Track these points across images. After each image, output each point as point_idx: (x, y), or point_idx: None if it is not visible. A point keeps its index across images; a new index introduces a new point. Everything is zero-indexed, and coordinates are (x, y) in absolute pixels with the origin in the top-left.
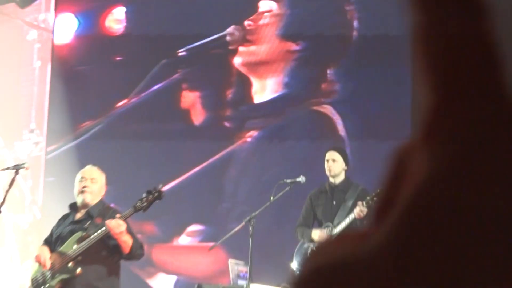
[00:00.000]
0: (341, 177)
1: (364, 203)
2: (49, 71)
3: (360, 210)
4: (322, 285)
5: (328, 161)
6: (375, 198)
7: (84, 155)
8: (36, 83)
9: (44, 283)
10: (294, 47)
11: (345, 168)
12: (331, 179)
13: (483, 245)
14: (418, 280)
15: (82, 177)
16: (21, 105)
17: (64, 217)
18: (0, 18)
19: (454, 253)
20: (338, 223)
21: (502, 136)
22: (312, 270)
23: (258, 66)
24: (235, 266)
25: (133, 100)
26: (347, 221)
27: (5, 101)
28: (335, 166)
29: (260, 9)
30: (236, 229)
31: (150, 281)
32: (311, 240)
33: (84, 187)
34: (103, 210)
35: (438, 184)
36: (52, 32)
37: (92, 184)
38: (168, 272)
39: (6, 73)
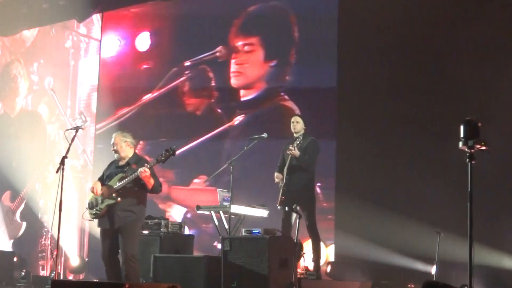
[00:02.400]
0: (301, 132)
1: (295, 146)
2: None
3: (293, 148)
4: None
5: (293, 122)
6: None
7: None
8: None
9: (96, 205)
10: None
11: (304, 127)
12: (295, 135)
13: None
14: None
15: (111, 143)
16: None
17: (112, 163)
18: (62, 30)
19: None
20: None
21: None
22: None
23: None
24: (221, 193)
25: (154, 94)
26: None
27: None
28: (297, 126)
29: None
30: (221, 168)
31: (169, 210)
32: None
33: (112, 149)
34: (137, 159)
35: None
36: (99, 49)
37: (114, 147)
38: (181, 204)
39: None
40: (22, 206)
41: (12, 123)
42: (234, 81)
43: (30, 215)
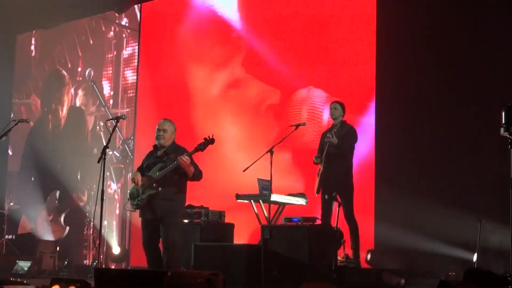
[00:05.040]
0: (339, 119)
1: (333, 134)
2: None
3: (330, 136)
4: None
5: (331, 109)
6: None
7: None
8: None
9: (138, 195)
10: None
11: (342, 114)
12: (334, 121)
13: None
14: None
15: (158, 128)
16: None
17: (150, 153)
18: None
19: None
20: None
21: None
22: None
23: None
24: (261, 182)
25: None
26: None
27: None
28: (335, 112)
29: None
30: (261, 156)
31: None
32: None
33: (158, 135)
34: (176, 149)
35: None
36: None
37: (163, 133)
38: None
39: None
40: (68, 209)
41: (60, 123)
42: None
43: (73, 211)
